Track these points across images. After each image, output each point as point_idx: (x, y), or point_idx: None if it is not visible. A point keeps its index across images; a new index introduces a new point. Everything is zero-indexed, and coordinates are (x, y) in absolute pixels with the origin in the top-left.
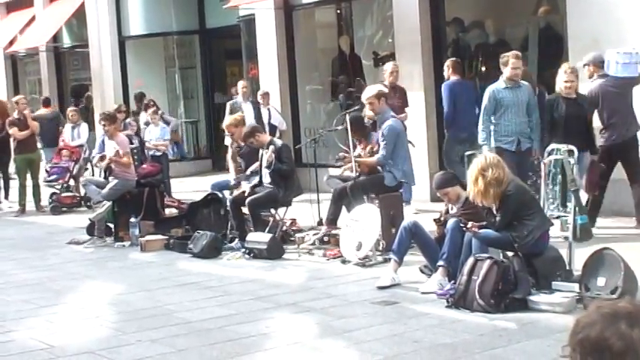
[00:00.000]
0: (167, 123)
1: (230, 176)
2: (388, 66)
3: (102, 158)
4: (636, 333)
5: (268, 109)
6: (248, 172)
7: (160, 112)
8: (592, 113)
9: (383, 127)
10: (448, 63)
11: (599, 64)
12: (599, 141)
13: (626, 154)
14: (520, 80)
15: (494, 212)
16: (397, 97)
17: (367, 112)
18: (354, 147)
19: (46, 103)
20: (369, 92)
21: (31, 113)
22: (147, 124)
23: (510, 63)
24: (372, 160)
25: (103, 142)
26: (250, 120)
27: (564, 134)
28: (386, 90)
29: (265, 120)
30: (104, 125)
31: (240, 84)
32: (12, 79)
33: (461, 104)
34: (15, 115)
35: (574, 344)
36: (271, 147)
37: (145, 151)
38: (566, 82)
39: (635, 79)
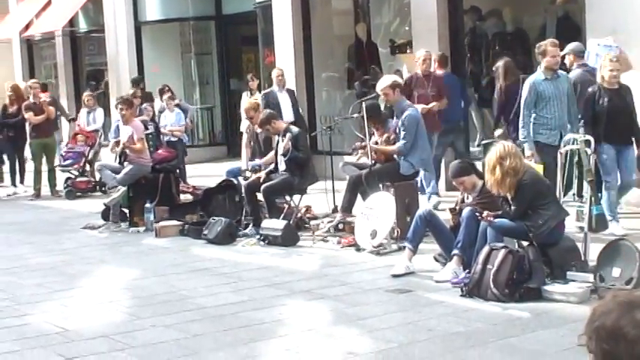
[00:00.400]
0: (185, 111)
1: (242, 163)
2: (420, 53)
3: (117, 143)
4: None
5: None
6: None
7: (176, 100)
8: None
9: (402, 116)
10: (434, 57)
11: (579, 53)
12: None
13: None
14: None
15: (510, 201)
16: (431, 87)
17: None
18: (371, 135)
19: (43, 88)
20: (383, 83)
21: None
22: (161, 110)
23: (549, 52)
24: (392, 149)
25: (117, 127)
26: (288, 111)
27: (606, 128)
28: (400, 80)
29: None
30: (121, 109)
31: (275, 72)
32: (27, 63)
33: (447, 97)
34: (31, 99)
35: (590, 332)
36: (288, 134)
37: (161, 136)
38: (611, 70)
39: None
